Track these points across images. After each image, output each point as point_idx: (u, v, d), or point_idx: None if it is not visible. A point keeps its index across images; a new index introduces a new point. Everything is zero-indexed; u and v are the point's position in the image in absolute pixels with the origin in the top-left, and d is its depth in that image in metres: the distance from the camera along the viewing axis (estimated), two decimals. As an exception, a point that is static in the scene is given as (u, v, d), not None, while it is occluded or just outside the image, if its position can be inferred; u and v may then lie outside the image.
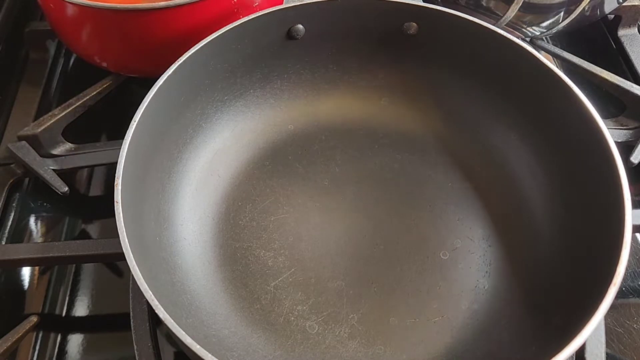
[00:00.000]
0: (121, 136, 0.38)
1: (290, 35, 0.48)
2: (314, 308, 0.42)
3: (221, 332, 0.40)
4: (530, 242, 0.44)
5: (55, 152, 0.51)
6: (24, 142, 0.50)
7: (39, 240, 0.51)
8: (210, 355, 0.30)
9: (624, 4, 0.59)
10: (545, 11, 0.54)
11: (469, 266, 0.44)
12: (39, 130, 0.51)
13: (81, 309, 0.46)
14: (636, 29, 0.63)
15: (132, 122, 0.39)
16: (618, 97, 0.55)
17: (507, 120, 0.48)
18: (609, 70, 0.56)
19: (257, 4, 0.53)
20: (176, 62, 0.42)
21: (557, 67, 0.44)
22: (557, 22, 0.55)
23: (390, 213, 0.47)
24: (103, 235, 0.51)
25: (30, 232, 0.51)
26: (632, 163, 0.49)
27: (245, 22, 0.45)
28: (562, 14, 0.54)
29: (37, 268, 0.49)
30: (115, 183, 0.36)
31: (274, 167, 0.50)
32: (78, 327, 0.46)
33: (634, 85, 0.54)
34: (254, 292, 0.43)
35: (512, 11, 0.53)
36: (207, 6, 0.49)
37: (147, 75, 0.51)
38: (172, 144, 0.46)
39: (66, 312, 0.46)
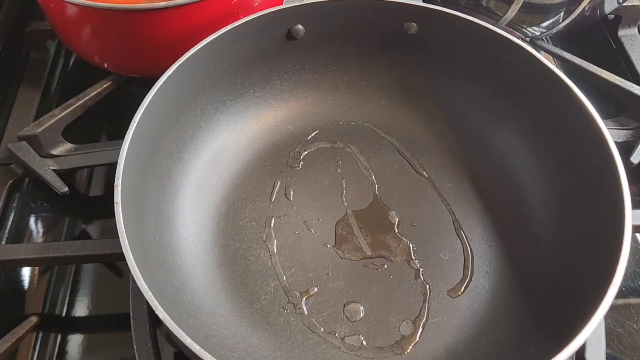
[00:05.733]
0: (121, 136, 0.38)
1: (290, 36, 0.48)
2: (314, 308, 0.42)
3: (221, 333, 0.40)
4: (530, 242, 0.44)
5: (55, 152, 0.51)
6: (24, 142, 0.50)
7: (39, 240, 0.51)
8: (210, 355, 0.30)
9: (624, 4, 0.59)
10: (545, 11, 0.54)
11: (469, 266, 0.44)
12: (39, 130, 0.51)
13: (81, 309, 0.46)
14: (636, 29, 0.63)
15: (132, 122, 0.39)
16: (618, 97, 0.55)
17: (507, 121, 0.48)
18: (609, 71, 0.56)
19: (257, 4, 0.53)
20: (176, 62, 0.42)
21: (557, 67, 0.44)
22: (557, 22, 0.55)
23: (390, 213, 0.47)
24: (103, 236, 0.51)
25: (30, 232, 0.51)
26: (632, 163, 0.49)
27: (245, 22, 0.45)
28: (562, 14, 0.54)
29: (37, 268, 0.49)
30: (115, 184, 0.36)
31: (274, 167, 0.50)
32: (78, 327, 0.46)
33: (634, 86, 0.54)
34: (254, 292, 0.43)
35: (512, 11, 0.53)
36: (207, 6, 0.49)
37: (147, 76, 0.51)
38: (172, 144, 0.46)
39: (66, 312, 0.46)
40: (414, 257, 0.45)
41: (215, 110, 0.49)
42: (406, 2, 0.47)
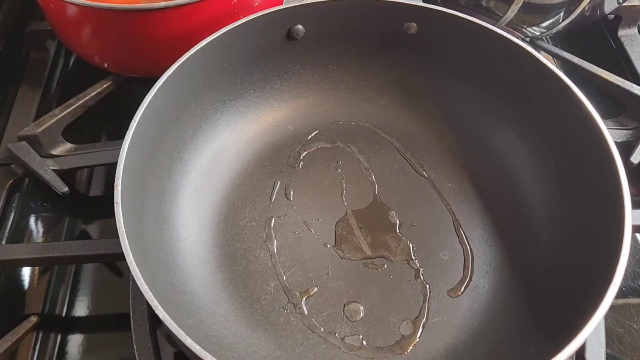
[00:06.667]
0: (121, 136, 0.38)
1: (290, 36, 0.48)
2: (314, 308, 0.42)
3: (221, 333, 0.40)
4: (530, 242, 0.44)
5: (55, 152, 0.51)
6: (24, 142, 0.50)
7: (39, 240, 0.51)
8: (210, 355, 0.30)
9: (624, 4, 0.59)
10: (545, 11, 0.54)
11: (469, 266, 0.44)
12: (39, 130, 0.51)
13: (81, 309, 0.47)
14: (636, 29, 0.63)
15: (132, 122, 0.39)
16: (618, 97, 0.55)
17: (507, 120, 0.48)
18: (609, 71, 0.56)
19: (257, 4, 0.53)
20: (176, 62, 0.42)
21: (557, 67, 0.44)
22: (557, 22, 0.55)
23: (390, 213, 0.47)
24: (103, 236, 0.51)
25: (30, 232, 0.51)
26: (632, 163, 0.49)
27: (245, 22, 0.45)
28: (562, 14, 0.54)
29: (37, 268, 0.49)
30: (115, 184, 0.36)
31: (274, 167, 0.50)
32: (78, 327, 0.46)
33: (634, 86, 0.54)
34: (254, 292, 0.43)
35: (512, 11, 0.53)
36: (207, 6, 0.49)
37: (147, 76, 0.51)
38: (172, 144, 0.46)
39: (66, 312, 0.46)
40: (414, 257, 0.45)
41: (215, 110, 0.49)
42: (406, 2, 0.47)
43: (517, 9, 0.53)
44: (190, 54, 0.43)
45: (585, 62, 0.57)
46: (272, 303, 0.42)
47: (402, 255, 0.45)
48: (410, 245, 0.45)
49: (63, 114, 0.52)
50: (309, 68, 0.52)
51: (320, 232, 0.46)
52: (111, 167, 0.52)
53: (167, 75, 0.42)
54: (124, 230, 0.34)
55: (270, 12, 0.46)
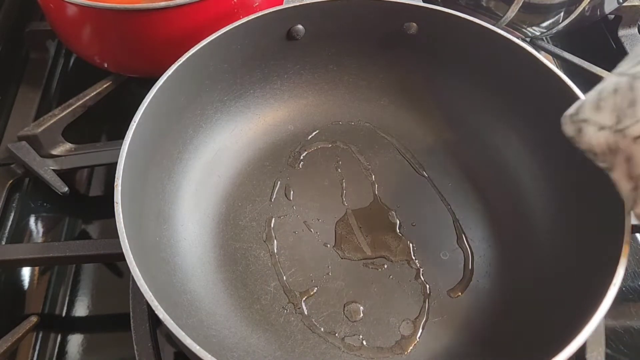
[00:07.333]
0: (121, 136, 0.38)
1: (290, 36, 0.48)
2: (314, 308, 0.42)
3: (221, 333, 0.40)
4: (530, 242, 0.44)
5: (55, 152, 0.51)
6: (24, 142, 0.50)
7: (39, 240, 0.51)
8: (210, 355, 0.30)
9: (624, 4, 0.59)
10: (545, 11, 0.54)
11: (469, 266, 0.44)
12: (39, 130, 0.51)
13: (81, 309, 0.46)
14: (636, 29, 0.63)
15: (132, 122, 0.39)
16: (618, 97, 0.55)
17: (507, 121, 0.48)
18: (609, 71, 0.56)
19: (257, 4, 0.53)
20: (176, 62, 0.42)
21: (557, 67, 0.44)
22: (557, 22, 0.55)
23: (390, 213, 0.47)
24: (103, 236, 0.51)
25: (30, 232, 0.51)
26: (632, 163, 0.49)
27: (245, 22, 0.45)
28: (562, 14, 0.54)
29: (37, 268, 0.49)
30: (115, 184, 0.36)
31: (274, 167, 0.50)
32: (78, 327, 0.46)
33: (634, 86, 0.54)
34: (254, 292, 0.43)
35: (512, 11, 0.53)
36: (207, 6, 0.49)
37: (147, 76, 0.51)
38: (172, 144, 0.46)
39: (66, 312, 0.46)
40: (414, 257, 0.45)
41: (215, 110, 0.49)
42: (406, 2, 0.47)
43: (517, 9, 0.53)
44: (190, 53, 0.43)
45: (586, 62, 0.57)
46: (272, 303, 0.42)
47: (402, 255, 0.45)
48: (410, 245, 0.45)
49: (63, 114, 0.52)
50: (309, 68, 0.52)
51: (320, 232, 0.46)
52: (111, 167, 0.52)
53: (167, 75, 0.42)
54: (124, 230, 0.34)
55: (270, 12, 0.46)
